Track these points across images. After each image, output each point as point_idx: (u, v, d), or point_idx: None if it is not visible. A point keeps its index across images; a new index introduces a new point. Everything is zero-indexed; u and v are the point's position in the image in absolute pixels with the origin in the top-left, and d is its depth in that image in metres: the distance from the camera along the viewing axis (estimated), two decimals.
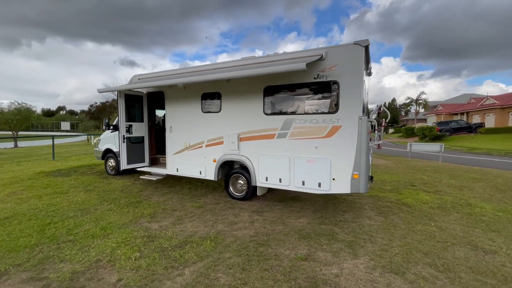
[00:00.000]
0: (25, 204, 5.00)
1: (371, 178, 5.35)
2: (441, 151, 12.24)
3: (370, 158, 5.75)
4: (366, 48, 4.18)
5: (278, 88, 4.89)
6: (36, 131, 53.61)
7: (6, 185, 6.42)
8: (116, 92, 5.98)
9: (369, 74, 6.06)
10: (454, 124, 29.14)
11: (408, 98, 46.15)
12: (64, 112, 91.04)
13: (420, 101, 44.14)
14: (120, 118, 6.00)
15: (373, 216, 4.73)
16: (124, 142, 6.05)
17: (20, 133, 26.79)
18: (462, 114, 38.33)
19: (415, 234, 3.97)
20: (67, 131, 48.05)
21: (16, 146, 23.38)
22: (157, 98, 6.71)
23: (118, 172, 7.59)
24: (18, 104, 24.73)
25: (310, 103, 4.66)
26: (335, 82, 4.33)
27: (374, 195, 6.14)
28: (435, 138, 25.51)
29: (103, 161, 8.15)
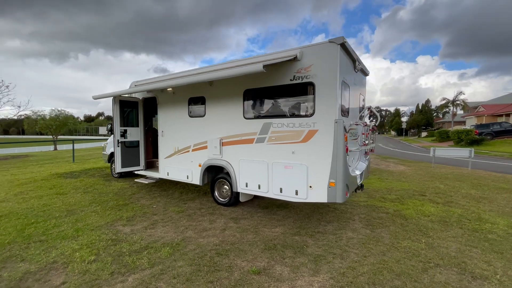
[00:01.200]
0: (24, 204, 5.40)
1: (360, 186, 4.95)
2: (471, 156, 11.02)
3: (365, 164, 5.32)
4: (343, 46, 3.87)
5: (257, 91, 4.73)
6: (78, 135, 58.78)
7: (19, 185, 7.03)
8: (111, 99, 6.26)
9: (365, 74, 5.64)
10: (496, 126, 26.18)
11: (444, 99, 42.57)
12: (102, 117, 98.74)
13: (458, 102, 40.44)
14: (115, 123, 6.26)
15: (359, 229, 4.33)
16: (118, 146, 6.30)
17: (60, 137, 29.51)
18: (507, 115, 34.36)
19: (397, 251, 3.54)
20: (104, 135, 52.09)
21: (55, 149, 25.74)
22: (153, 103, 6.91)
23: (121, 175, 7.93)
24: (58, 110, 27.32)
25: (287, 106, 4.43)
26: (311, 84, 4.06)
27: (371, 204, 5.66)
28: (473, 143, 23.13)
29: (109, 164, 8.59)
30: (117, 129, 6.27)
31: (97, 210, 5.03)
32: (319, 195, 4.04)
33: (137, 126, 6.68)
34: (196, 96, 5.62)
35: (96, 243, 3.66)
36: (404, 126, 46.86)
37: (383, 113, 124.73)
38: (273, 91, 4.53)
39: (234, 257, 3.36)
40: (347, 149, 4.01)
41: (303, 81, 4.13)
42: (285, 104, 4.46)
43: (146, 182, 6.46)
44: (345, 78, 4.16)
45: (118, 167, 6.35)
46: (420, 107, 63.94)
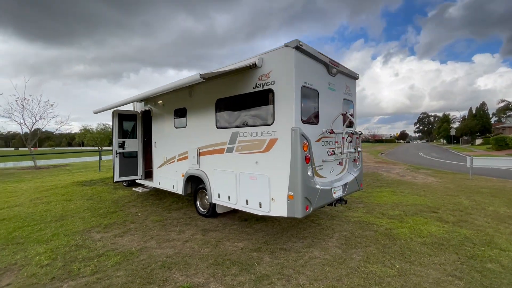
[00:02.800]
0: (31, 209, 6.04)
1: (340, 200, 4.51)
2: None
3: (352, 175, 4.85)
4: (300, 49, 3.64)
5: (226, 101, 4.67)
6: None
7: (40, 192, 7.91)
8: (111, 113, 6.77)
9: (352, 77, 5.21)
10: None
11: (502, 100, 37.25)
12: None
13: None
14: (114, 135, 6.72)
15: (330, 248, 3.90)
16: (116, 156, 6.73)
17: (104, 148, 32.88)
18: None
19: (357, 276, 3.08)
20: None
21: (100, 159, 28.60)
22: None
23: (129, 183, 8.41)
24: (103, 124, 30.60)
25: (251, 115, 4.28)
26: (270, 90, 3.88)
27: (364, 220, 5.09)
28: None
29: None
30: (115, 140, 6.73)
31: (84, 217, 5.38)
32: (280, 209, 3.76)
33: (136, 137, 7.08)
34: (179, 107, 5.77)
35: (61, 248, 3.88)
36: (453, 132, 41.84)
37: (431, 119, 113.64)
38: (239, 99, 4.43)
39: (176, 270, 3.26)
40: (307, 159, 3.69)
41: (264, 88, 3.97)
42: (249, 112, 4.32)
43: (140, 191, 6.76)
44: (308, 83, 3.89)
45: (116, 176, 6.76)
46: (474, 111, 56.75)
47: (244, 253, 3.72)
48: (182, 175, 5.66)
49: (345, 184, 4.66)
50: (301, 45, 3.61)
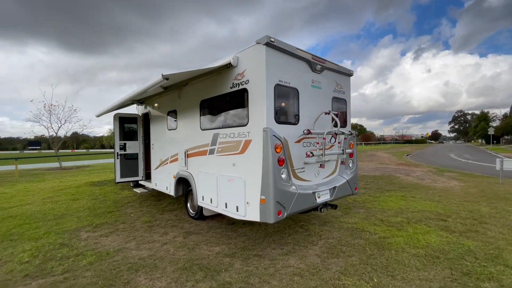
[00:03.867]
0: (39, 207, 6.44)
1: (325, 205, 4.24)
2: None
3: (344, 179, 4.54)
4: (271, 45, 3.46)
5: (209, 102, 4.61)
6: None
7: (54, 191, 8.44)
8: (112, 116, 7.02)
9: (344, 74, 4.89)
10: None
11: None
12: None
13: None
14: (115, 137, 6.97)
15: (310, 256, 3.65)
16: (117, 158, 6.97)
17: None
18: None
19: None
20: None
21: None
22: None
23: (135, 184, 8.68)
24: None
25: (230, 115, 4.17)
26: (245, 90, 3.74)
27: (358, 227, 4.74)
28: None
29: None
30: (117, 143, 6.97)
31: (81, 216, 5.61)
32: (254, 213, 3.60)
33: (137, 140, 7.28)
34: (171, 109, 5.82)
35: (46, 246, 4.06)
36: (491, 132, 38.14)
37: (468, 117, 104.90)
38: (219, 100, 4.34)
39: (142, 273, 3.24)
40: (281, 161, 3.49)
41: (239, 88, 3.84)
42: (228, 113, 4.22)
43: (139, 192, 6.92)
44: (285, 81, 3.69)
45: (117, 178, 7.00)
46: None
47: (216, 258, 3.61)
48: (174, 177, 5.70)
49: (334, 188, 4.37)
50: (272, 41, 3.44)
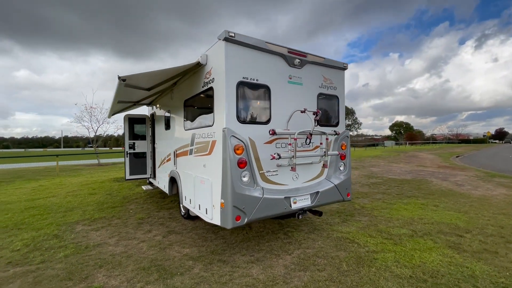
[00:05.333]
0: (59, 200, 7.15)
1: (317, 213, 3.97)
2: None
3: (331, 183, 4.17)
4: (232, 40, 3.27)
5: (189, 102, 4.59)
6: None
7: (80, 185, 9.32)
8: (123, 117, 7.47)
9: (342, 68, 4.44)
10: None
11: None
12: None
13: None
14: (125, 137, 7.41)
15: (277, 266, 3.39)
16: (127, 157, 7.39)
17: None
18: None
19: None
20: None
21: None
22: None
23: (151, 182, 9.14)
24: None
25: (202, 115, 4.10)
26: (211, 89, 3.62)
27: (349, 237, 4.28)
28: None
29: None
30: (126, 142, 7.40)
31: (87, 210, 6.06)
32: (217, 217, 3.47)
33: (145, 139, 7.65)
34: (167, 110, 5.96)
35: (42, 236, 4.45)
36: None
37: None
38: (195, 100, 4.31)
39: (104, 270, 3.33)
40: (243, 164, 3.29)
41: (208, 86, 3.74)
42: (201, 113, 4.14)
43: (145, 189, 7.25)
44: (251, 78, 3.47)
45: (127, 175, 7.43)
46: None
47: (180, 260, 3.55)
48: (168, 176, 5.83)
49: (316, 193, 4.00)
50: (232, 36, 3.24)
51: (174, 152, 5.29)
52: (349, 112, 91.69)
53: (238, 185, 3.24)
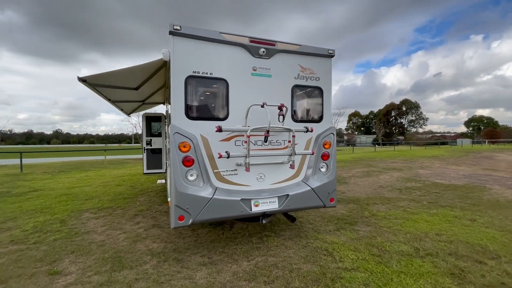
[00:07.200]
0: (91, 189, 8.12)
1: (290, 217, 3.67)
2: None
3: (307, 187, 3.78)
4: (179, 34, 3.15)
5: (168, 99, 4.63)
6: None
7: (114, 177, 10.43)
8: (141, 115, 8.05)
9: (328, 56, 3.94)
10: None
11: None
12: None
13: None
14: (143, 134, 7.99)
15: (226, 272, 3.18)
16: (145, 152, 7.96)
17: None
18: None
19: None
20: None
21: None
22: None
23: None
24: None
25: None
26: (168, 85, 3.57)
27: (329, 249, 3.78)
28: None
29: None
30: (144, 139, 7.98)
31: (103, 199, 6.73)
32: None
33: (161, 136, 8.12)
34: (168, 107, 6.17)
35: (51, 220, 5.10)
36: None
37: None
38: (168, 97, 4.30)
39: (73, 256, 3.61)
40: (189, 162, 3.16)
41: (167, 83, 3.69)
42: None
43: (158, 182, 7.71)
44: (204, 72, 3.31)
45: (144, 169, 8.02)
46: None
47: (141, 255, 3.63)
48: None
49: (286, 196, 3.62)
50: (178, 29, 3.12)
51: (167, 147, 5.46)
52: (413, 107, 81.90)
53: (181, 184, 3.12)
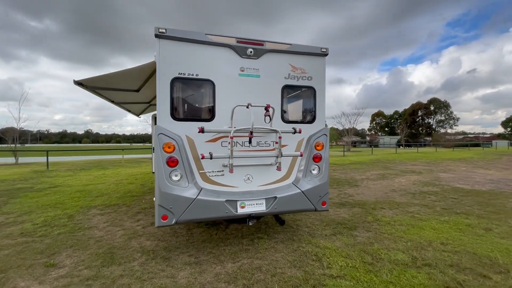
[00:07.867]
0: (104, 186, 8.52)
1: (278, 220, 3.63)
2: None
3: (297, 189, 3.71)
4: (165, 36, 3.20)
5: None
6: None
7: (127, 175, 10.86)
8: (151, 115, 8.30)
9: (322, 55, 3.84)
10: None
11: None
12: None
13: None
14: (152, 134, 8.24)
15: (208, 273, 3.19)
16: (153, 152, 8.20)
17: None
18: None
19: None
20: None
21: None
22: None
23: None
24: None
25: None
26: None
27: (318, 255, 3.66)
28: None
29: None
30: (153, 139, 8.22)
31: (113, 197, 7.04)
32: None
33: None
34: None
35: (60, 215, 5.41)
36: None
37: None
38: None
39: (71, 250, 3.80)
40: (173, 162, 3.22)
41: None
42: None
43: None
44: (190, 73, 3.34)
45: (153, 168, 8.26)
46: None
47: (132, 252, 3.73)
48: None
49: (273, 198, 3.55)
50: (163, 32, 3.18)
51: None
52: (442, 106, 77.14)
53: (164, 184, 3.17)
